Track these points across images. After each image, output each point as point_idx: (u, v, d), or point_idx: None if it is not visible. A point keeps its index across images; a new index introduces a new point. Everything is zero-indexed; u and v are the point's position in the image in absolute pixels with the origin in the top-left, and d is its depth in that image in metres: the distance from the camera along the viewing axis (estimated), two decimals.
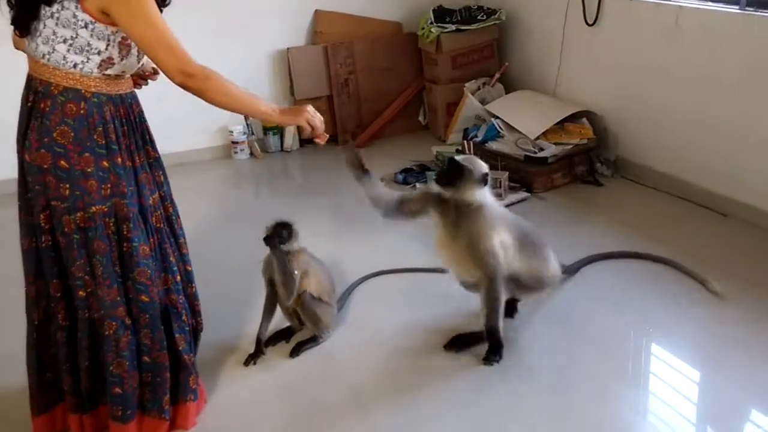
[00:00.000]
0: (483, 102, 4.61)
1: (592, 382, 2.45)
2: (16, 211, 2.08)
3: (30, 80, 1.96)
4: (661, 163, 3.94)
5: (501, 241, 2.53)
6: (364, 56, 4.91)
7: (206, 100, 1.93)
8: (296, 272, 2.56)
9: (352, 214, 3.91)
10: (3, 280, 2.76)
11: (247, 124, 4.83)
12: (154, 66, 2.11)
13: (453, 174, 2.50)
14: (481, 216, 2.50)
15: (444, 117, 4.85)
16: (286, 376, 2.56)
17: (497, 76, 4.78)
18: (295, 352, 2.63)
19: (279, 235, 2.54)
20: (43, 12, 1.84)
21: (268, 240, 2.53)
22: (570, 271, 3.03)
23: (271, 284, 2.65)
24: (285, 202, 4.19)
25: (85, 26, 1.84)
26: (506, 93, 4.73)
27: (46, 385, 2.17)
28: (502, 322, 2.58)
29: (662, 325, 2.78)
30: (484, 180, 2.51)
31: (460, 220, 2.50)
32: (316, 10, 4.83)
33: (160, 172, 2.14)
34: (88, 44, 1.86)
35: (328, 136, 2.18)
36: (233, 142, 4.79)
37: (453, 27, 4.70)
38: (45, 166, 1.92)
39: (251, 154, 4.86)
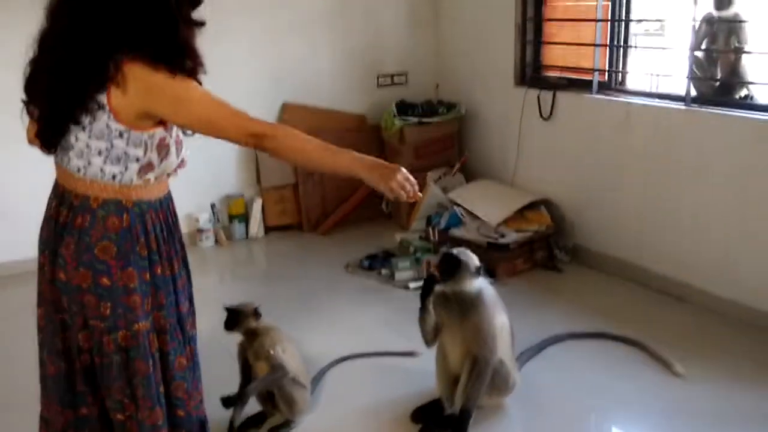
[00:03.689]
0: (444, 191, 4.77)
1: None
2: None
3: (61, 193, 1.83)
4: (617, 249, 4.10)
5: (501, 323, 2.64)
6: None
7: (280, 159, 1.84)
8: (271, 351, 2.57)
9: (318, 300, 3.93)
10: None
11: (213, 213, 4.87)
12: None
13: (450, 266, 2.59)
14: (483, 302, 2.60)
15: (406, 205, 4.96)
16: None
17: (458, 166, 4.96)
18: None
19: (229, 322, 2.58)
20: (72, 126, 1.74)
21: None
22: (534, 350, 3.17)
23: (244, 370, 2.64)
24: (249, 289, 4.19)
25: (120, 135, 1.73)
26: (466, 182, 4.91)
27: None
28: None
29: (627, 406, 2.84)
30: (478, 271, 2.62)
31: (465, 312, 2.59)
32: (283, 103, 4.99)
33: (186, 272, 2.03)
34: (125, 153, 1.75)
35: (420, 195, 1.94)
36: (199, 230, 4.82)
37: (415, 119, 4.90)
38: (84, 286, 1.78)
39: (216, 241, 4.88)
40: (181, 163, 1.94)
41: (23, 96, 1.83)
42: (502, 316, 2.69)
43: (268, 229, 5.03)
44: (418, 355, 3.14)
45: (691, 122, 3.62)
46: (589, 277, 4.13)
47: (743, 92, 3.61)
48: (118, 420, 1.88)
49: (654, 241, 3.88)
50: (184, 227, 4.78)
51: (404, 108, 4.99)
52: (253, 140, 1.78)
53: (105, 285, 1.78)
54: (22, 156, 2.40)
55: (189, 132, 1.88)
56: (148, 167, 1.80)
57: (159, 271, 1.86)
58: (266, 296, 3.98)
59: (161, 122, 1.78)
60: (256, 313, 2.65)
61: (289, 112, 5.01)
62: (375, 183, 1.86)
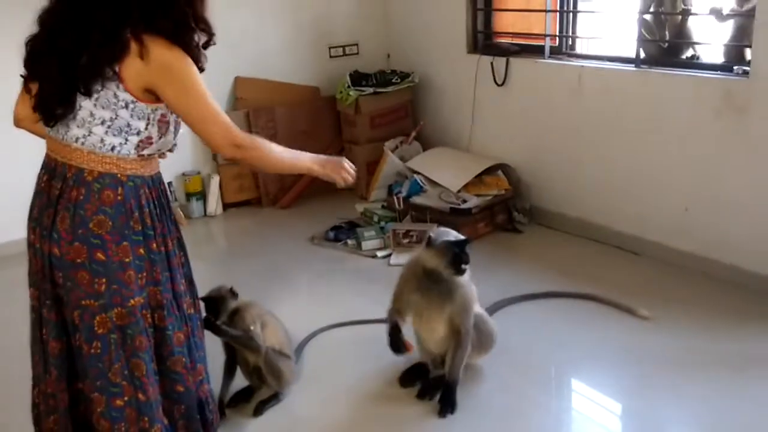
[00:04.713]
0: (402, 159, 4.83)
1: (537, 411, 2.64)
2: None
3: (53, 165, 1.82)
4: (574, 208, 4.24)
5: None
6: (285, 120, 5.03)
7: (252, 167, 1.91)
8: (252, 327, 2.60)
9: (286, 274, 3.96)
10: None
11: (171, 191, 4.81)
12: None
13: (464, 261, 2.54)
14: (467, 286, 2.64)
15: (365, 175, 5.01)
16: None
17: (413, 134, 5.02)
18: (258, 411, 2.65)
19: (210, 312, 2.56)
20: (79, 95, 1.73)
21: (206, 325, 2.44)
22: (496, 307, 3.30)
23: (228, 345, 2.66)
24: (214, 268, 4.18)
25: (126, 106, 1.75)
26: (423, 150, 4.98)
27: None
28: None
29: (598, 354, 3.00)
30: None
31: (447, 294, 2.58)
32: (236, 77, 4.94)
33: (182, 253, 2.03)
34: (128, 125, 1.77)
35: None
36: None
37: (370, 90, 4.92)
38: (78, 260, 1.77)
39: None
40: (173, 147, 1.96)
41: (23, 72, 1.83)
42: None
43: (226, 206, 5.01)
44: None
45: (641, 83, 3.76)
46: (548, 237, 4.27)
47: (690, 52, 3.76)
48: (117, 406, 1.84)
49: (610, 200, 4.03)
50: None
51: (358, 78, 5.01)
52: (234, 150, 1.86)
53: (100, 260, 1.77)
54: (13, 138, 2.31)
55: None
56: (146, 141, 1.82)
57: (154, 246, 1.86)
58: (233, 275, 3.99)
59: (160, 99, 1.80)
60: (233, 293, 2.67)
61: (242, 87, 4.97)
62: (328, 175, 2.10)
